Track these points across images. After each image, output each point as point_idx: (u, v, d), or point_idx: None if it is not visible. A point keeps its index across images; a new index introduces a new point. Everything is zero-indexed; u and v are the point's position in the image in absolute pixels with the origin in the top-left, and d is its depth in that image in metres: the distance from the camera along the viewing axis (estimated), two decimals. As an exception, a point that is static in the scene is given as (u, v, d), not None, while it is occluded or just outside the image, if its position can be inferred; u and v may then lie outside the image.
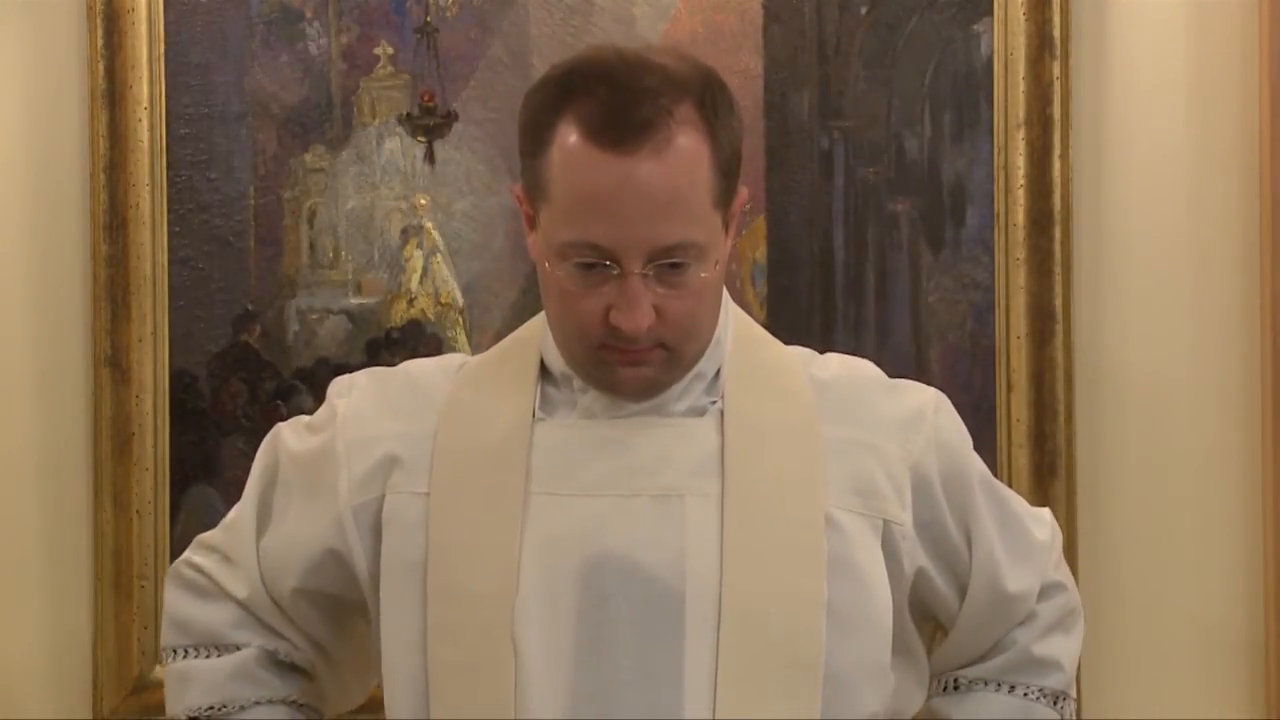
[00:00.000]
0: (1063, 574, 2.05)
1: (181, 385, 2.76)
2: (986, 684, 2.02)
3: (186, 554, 2.07)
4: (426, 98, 2.75)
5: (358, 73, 2.76)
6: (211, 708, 2.00)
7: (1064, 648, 2.02)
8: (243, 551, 2.00)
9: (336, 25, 2.76)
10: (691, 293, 1.81)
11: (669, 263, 1.79)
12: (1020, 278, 2.72)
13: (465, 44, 2.75)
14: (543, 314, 1.91)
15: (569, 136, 1.78)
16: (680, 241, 1.78)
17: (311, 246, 2.77)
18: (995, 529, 1.97)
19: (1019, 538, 2.00)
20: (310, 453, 1.98)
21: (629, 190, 1.76)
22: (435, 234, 2.77)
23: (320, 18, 2.76)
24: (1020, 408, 2.72)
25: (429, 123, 2.75)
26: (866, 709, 1.87)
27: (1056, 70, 2.71)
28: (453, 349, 2.73)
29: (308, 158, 2.77)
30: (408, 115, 2.76)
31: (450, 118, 2.75)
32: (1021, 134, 2.72)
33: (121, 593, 2.74)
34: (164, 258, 2.75)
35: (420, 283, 2.77)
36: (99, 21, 2.73)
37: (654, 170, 1.76)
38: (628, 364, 1.83)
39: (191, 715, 2.01)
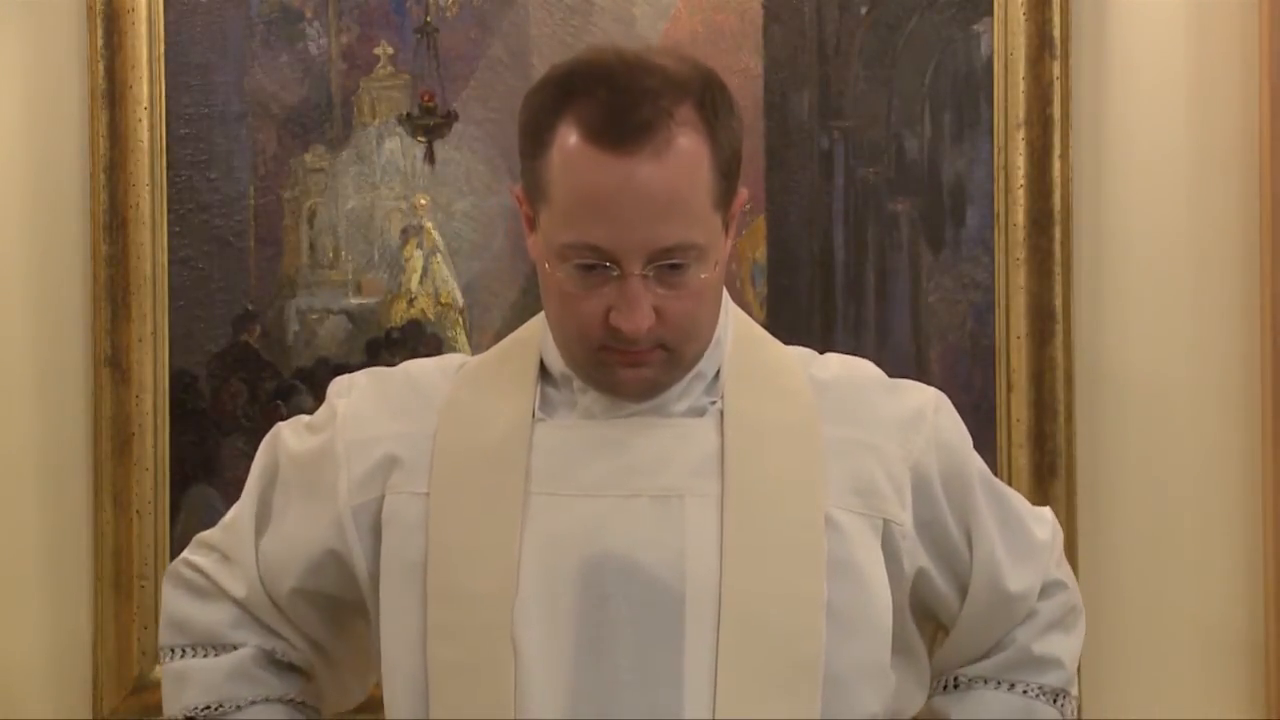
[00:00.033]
0: (1064, 572, 2.05)
1: (181, 385, 2.76)
2: (986, 682, 2.02)
3: (185, 553, 2.07)
4: (426, 98, 2.75)
5: (358, 73, 2.76)
6: (209, 707, 2.00)
7: (1064, 645, 2.02)
8: (241, 551, 2.00)
9: (336, 25, 2.76)
10: (691, 294, 1.81)
11: (669, 264, 1.79)
12: (1020, 278, 2.72)
13: (465, 44, 2.75)
14: (542, 314, 1.91)
15: (569, 138, 1.78)
16: (680, 243, 1.78)
17: (311, 246, 2.77)
18: (996, 528, 1.97)
19: (1020, 537, 2.00)
20: (310, 453, 1.98)
21: (629, 192, 1.76)
22: (435, 234, 2.76)
23: (320, 18, 2.76)
24: (1020, 408, 2.72)
25: (429, 123, 2.75)
26: (866, 709, 1.87)
27: (1056, 70, 2.71)
28: (453, 349, 2.73)
29: (308, 158, 2.77)
30: (408, 115, 2.76)
31: (450, 118, 2.75)
32: (1021, 134, 2.72)
33: (121, 593, 2.74)
34: (164, 258, 2.75)
35: (420, 283, 2.77)
36: (99, 21, 2.73)
37: (654, 172, 1.76)
38: (628, 365, 1.83)
39: (189, 715, 2.01)
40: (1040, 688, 2.01)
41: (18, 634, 2.77)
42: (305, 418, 2.03)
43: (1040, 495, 2.67)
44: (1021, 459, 2.71)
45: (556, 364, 1.90)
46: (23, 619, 2.77)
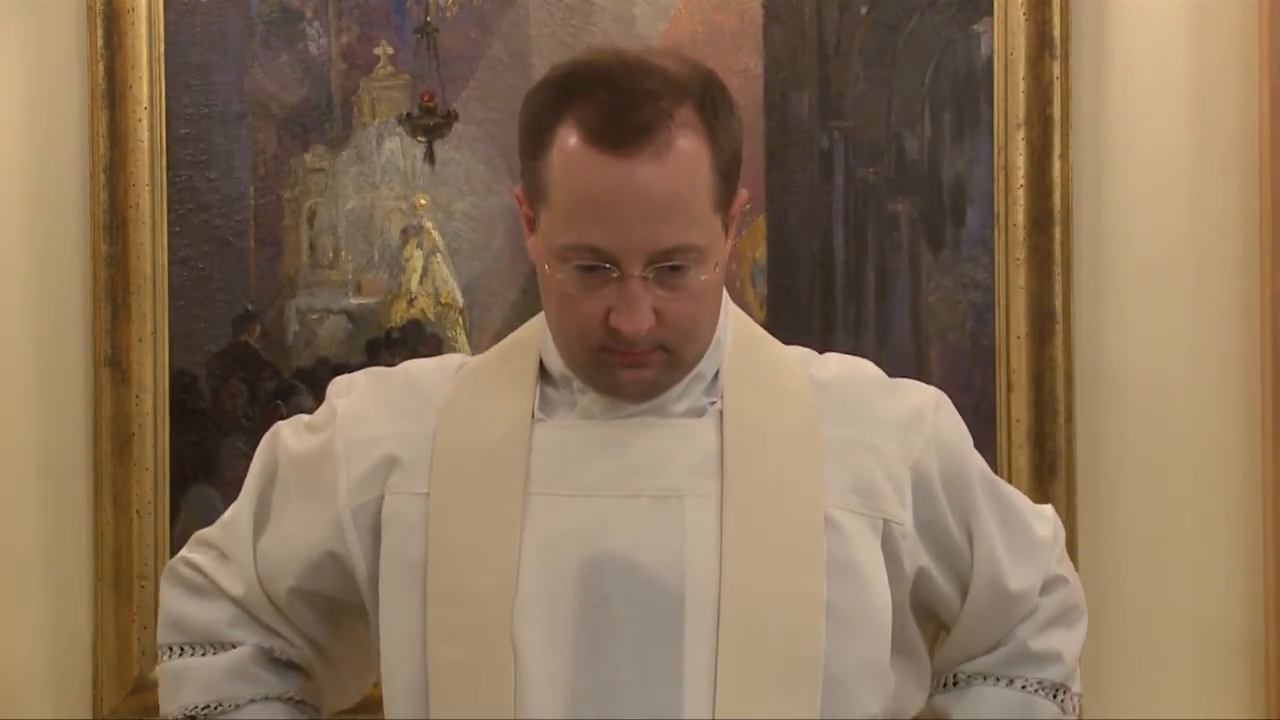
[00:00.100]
0: (1065, 568, 2.05)
1: (181, 385, 2.76)
2: (986, 679, 2.01)
3: (183, 551, 2.07)
4: (426, 98, 2.75)
5: (358, 73, 2.76)
6: (208, 706, 2.00)
7: (1064, 641, 2.02)
8: (240, 550, 2.00)
9: (336, 25, 2.76)
10: (691, 295, 1.81)
11: (669, 265, 1.79)
12: (1020, 278, 2.72)
13: (465, 44, 2.75)
14: (542, 315, 1.91)
15: (569, 139, 1.78)
16: (680, 244, 1.78)
17: (311, 246, 2.77)
18: (996, 527, 1.97)
19: (1020, 535, 2.00)
20: (309, 452, 1.98)
21: (629, 193, 1.76)
22: (435, 234, 2.76)
23: (320, 18, 2.76)
24: (1020, 408, 2.72)
25: (429, 123, 2.75)
26: (866, 709, 1.87)
27: (1056, 70, 2.71)
28: (453, 349, 2.73)
29: (308, 158, 2.77)
30: (408, 115, 2.76)
31: (450, 118, 2.75)
32: (1021, 134, 2.72)
33: (121, 593, 2.74)
34: (164, 258, 2.75)
35: (420, 283, 2.77)
36: (99, 21, 2.73)
37: (654, 173, 1.76)
38: (628, 366, 1.83)
39: (188, 714, 2.01)
40: (1040, 683, 2.01)
41: (18, 634, 2.77)
42: (305, 417, 2.03)
43: (1040, 495, 2.66)
44: (1021, 459, 2.71)
45: (556, 364, 1.90)
46: (23, 619, 2.77)
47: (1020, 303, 2.72)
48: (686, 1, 2.75)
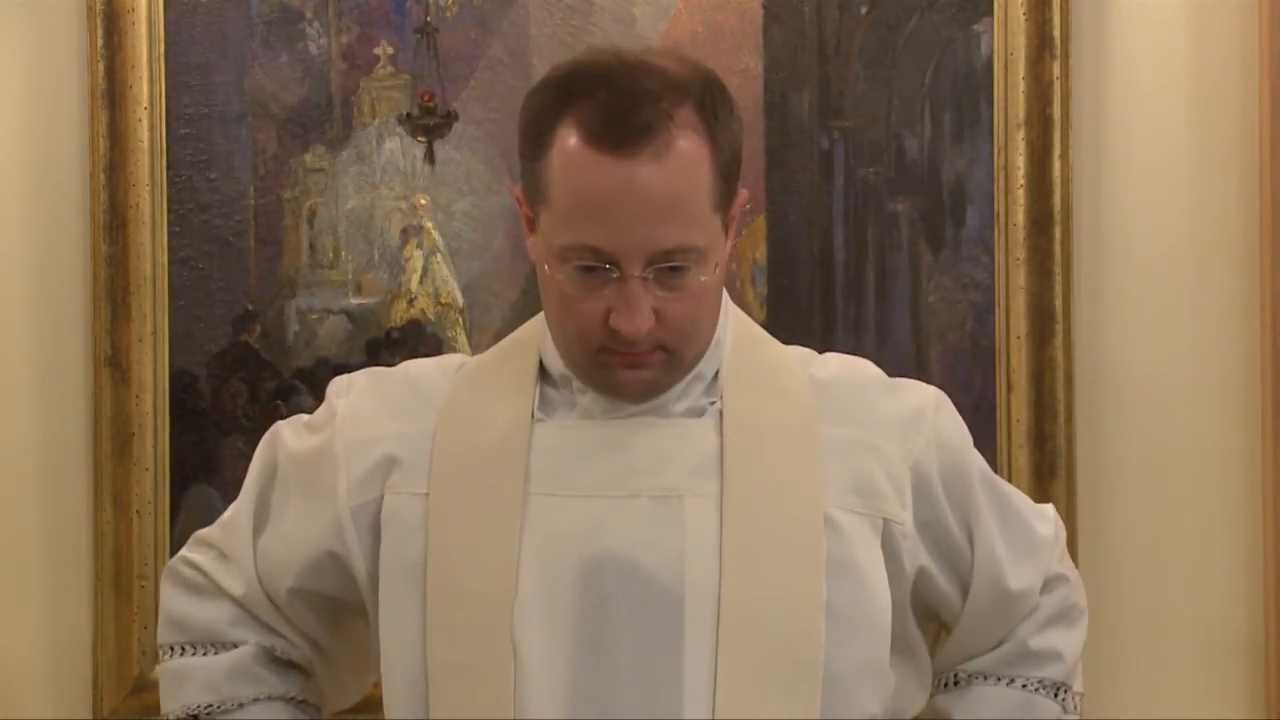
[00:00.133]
0: (1066, 567, 2.05)
1: (181, 385, 2.76)
2: (986, 678, 2.01)
3: (183, 551, 2.07)
4: (426, 98, 2.75)
5: (358, 73, 2.76)
6: (210, 705, 2.00)
7: (1064, 639, 2.02)
8: (239, 549, 2.00)
9: (336, 25, 2.76)
10: (691, 296, 1.81)
11: (669, 266, 1.79)
12: (1020, 278, 2.72)
13: (465, 44, 2.75)
14: (542, 315, 1.91)
15: (569, 140, 1.78)
16: (680, 245, 1.78)
17: (311, 246, 2.77)
18: (997, 526, 1.97)
19: (1021, 534, 2.00)
20: (309, 452, 1.98)
21: (629, 194, 1.76)
22: (435, 234, 2.76)
23: (320, 18, 2.76)
24: (1020, 408, 2.72)
25: (429, 123, 2.75)
26: (865, 709, 1.87)
27: (1056, 70, 2.71)
28: (453, 349, 2.73)
29: (308, 158, 2.77)
30: (408, 115, 2.76)
31: (450, 118, 2.75)
32: (1021, 134, 2.72)
33: (121, 593, 2.74)
34: (164, 258, 2.75)
35: (420, 283, 2.77)
36: (99, 21, 2.73)
37: (654, 174, 1.76)
38: (627, 366, 1.83)
39: (190, 713, 2.01)
40: (1040, 681, 2.01)
41: (18, 634, 2.77)
42: (304, 417, 2.03)
43: (1040, 495, 2.66)
44: (1021, 459, 2.71)
45: (556, 364, 1.90)
46: (23, 619, 2.77)
47: (1020, 303, 2.72)
48: (686, 1, 2.75)
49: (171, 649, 2.03)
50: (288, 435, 2.01)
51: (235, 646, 2.01)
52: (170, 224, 2.75)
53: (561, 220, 1.79)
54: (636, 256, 1.77)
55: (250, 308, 2.76)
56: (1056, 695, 2.01)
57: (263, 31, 2.76)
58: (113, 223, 2.73)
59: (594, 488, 1.85)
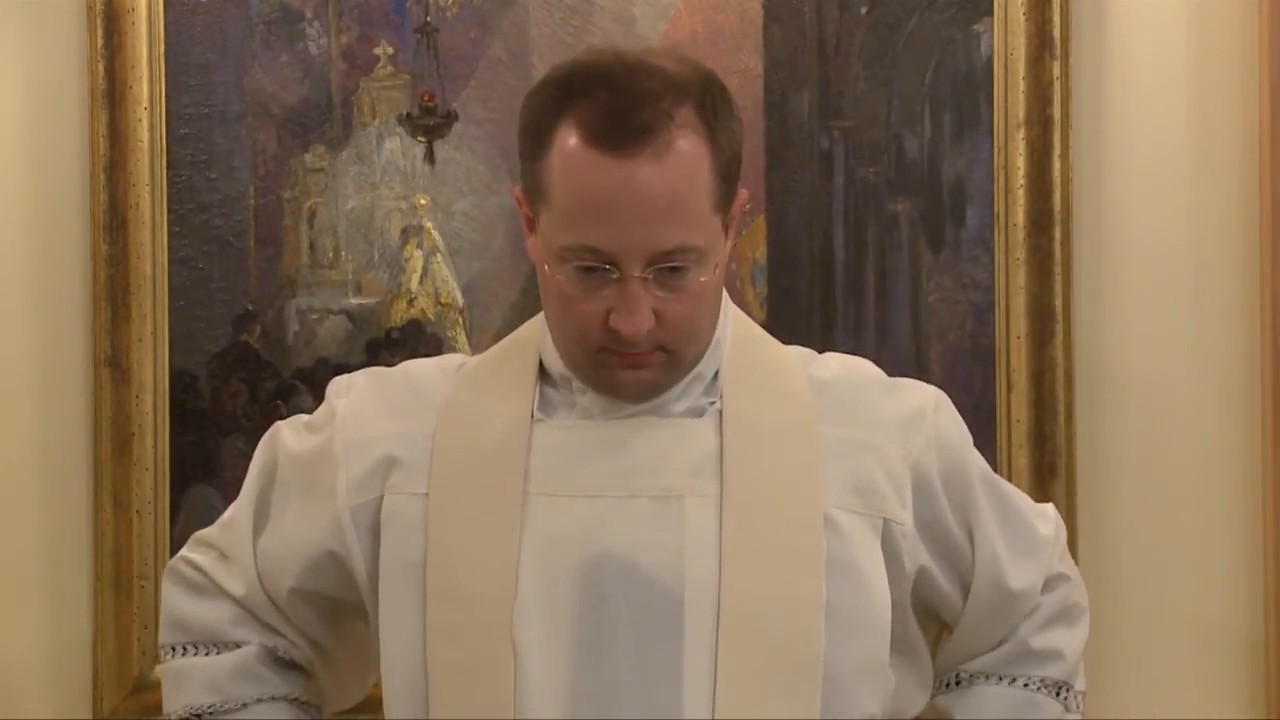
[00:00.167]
0: (1066, 566, 2.05)
1: (181, 385, 2.76)
2: (988, 678, 2.02)
3: (184, 551, 2.07)
4: (426, 98, 2.75)
5: (358, 73, 2.76)
6: (212, 705, 2.00)
7: (1066, 638, 2.02)
8: (240, 549, 2.00)
9: (336, 25, 2.76)
10: (691, 296, 1.81)
11: (668, 266, 1.79)
12: (1020, 278, 2.72)
13: (465, 44, 2.75)
14: (542, 315, 1.91)
15: (569, 140, 1.78)
16: (680, 245, 1.78)
17: (311, 246, 2.77)
18: (997, 526, 1.97)
19: (1021, 534, 2.00)
20: (309, 452, 1.98)
21: (629, 194, 1.76)
22: (435, 234, 2.76)
23: (320, 18, 2.76)
24: (1020, 408, 2.72)
25: (429, 123, 2.75)
26: (865, 709, 1.87)
27: (1056, 70, 2.71)
28: (453, 349, 2.73)
29: (308, 158, 2.77)
30: (408, 115, 2.75)
31: (450, 118, 2.75)
32: (1021, 134, 2.72)
33: (121, 593, 2.74)
34: (164, 258, 2.75)
35: (420, 283, 2.77)
36: (99, 21, 2.73)
37: (654, 174, 1.76)
38: (627, 367, 1.83)
39: (193, 713, 2.01)
40: (1042, 680, 2.01)
41: (18, 634, 2.77)
42: (304, 417, 2.03)
43: (1040, 495, 2.66)
44: (1021, 459, 2.71)
45: (556, 364, 1.90)
46: (23, 619, 2.77)
47: (1020, 303, 2.72)
48: (686, 1, 2.75)
49: (173, 649, 2.03)
50: (287, 435, 2.01)
51: (237, 646, 2.01)
52: (170, 224, 2.75)
53: (561, 220, 1.79)
54: (636, 257, 1.77)
55: (250, 308, 2.76)
56: (1058, 694, 2.01)
57: (263, 31, 2.76)
58: (113, 223, 2.73)
59: (594, 488, 1.85)
